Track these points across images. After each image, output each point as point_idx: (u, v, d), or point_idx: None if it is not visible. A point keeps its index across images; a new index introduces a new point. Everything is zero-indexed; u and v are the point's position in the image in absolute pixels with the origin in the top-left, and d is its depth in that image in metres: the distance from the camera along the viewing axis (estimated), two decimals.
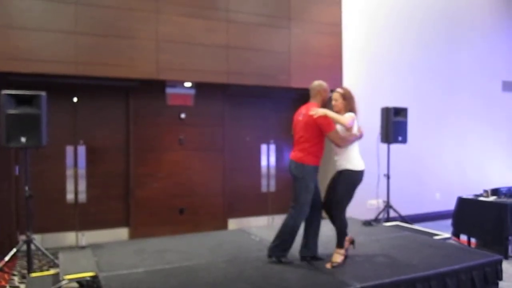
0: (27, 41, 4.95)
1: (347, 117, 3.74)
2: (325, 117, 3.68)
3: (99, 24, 5.28)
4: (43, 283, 3.63)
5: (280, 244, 3.81)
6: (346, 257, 3.83)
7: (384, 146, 6.53)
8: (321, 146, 3.83)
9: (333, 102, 3.90)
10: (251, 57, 6.12)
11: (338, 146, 3.77)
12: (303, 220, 3.85)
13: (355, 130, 3.82)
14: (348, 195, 3.80)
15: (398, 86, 7.33)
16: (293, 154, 3.87)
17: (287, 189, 7.31)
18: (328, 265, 3.69)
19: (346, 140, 3.78)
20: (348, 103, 3.86)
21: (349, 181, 3.79)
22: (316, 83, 3.97)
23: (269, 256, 3.84)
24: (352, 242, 3.99)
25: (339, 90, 3.95)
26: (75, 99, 5.75)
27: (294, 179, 3.82)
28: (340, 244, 3.79)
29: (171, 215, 6.23)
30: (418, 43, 7.59)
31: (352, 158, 3.81)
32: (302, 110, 3.91)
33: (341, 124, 3.74)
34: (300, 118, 3.87)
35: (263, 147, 6.97)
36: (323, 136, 3.79)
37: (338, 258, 3.75)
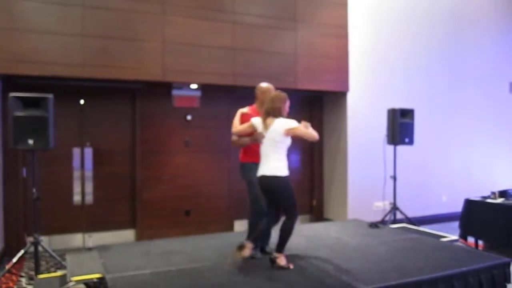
0: (34, 44, 4.98)
1: None
2: None
3: (105, 27, 5.31)
4: (51, 285, 3.64)
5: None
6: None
7: (391, 147, 6.49)
8: None
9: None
10: (257, 59, 6.13)
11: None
12: None
13: None
14: None
15: (405, 88, 7.30)
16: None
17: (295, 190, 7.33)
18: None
19: None
20: None
21: None
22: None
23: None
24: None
25: None
26: (82, 102, 5.79)
27: None
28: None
29: (177, 216, 6.25)
30: (425, 45, 7.55)
31: None
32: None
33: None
34: None
35: None
36: None
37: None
